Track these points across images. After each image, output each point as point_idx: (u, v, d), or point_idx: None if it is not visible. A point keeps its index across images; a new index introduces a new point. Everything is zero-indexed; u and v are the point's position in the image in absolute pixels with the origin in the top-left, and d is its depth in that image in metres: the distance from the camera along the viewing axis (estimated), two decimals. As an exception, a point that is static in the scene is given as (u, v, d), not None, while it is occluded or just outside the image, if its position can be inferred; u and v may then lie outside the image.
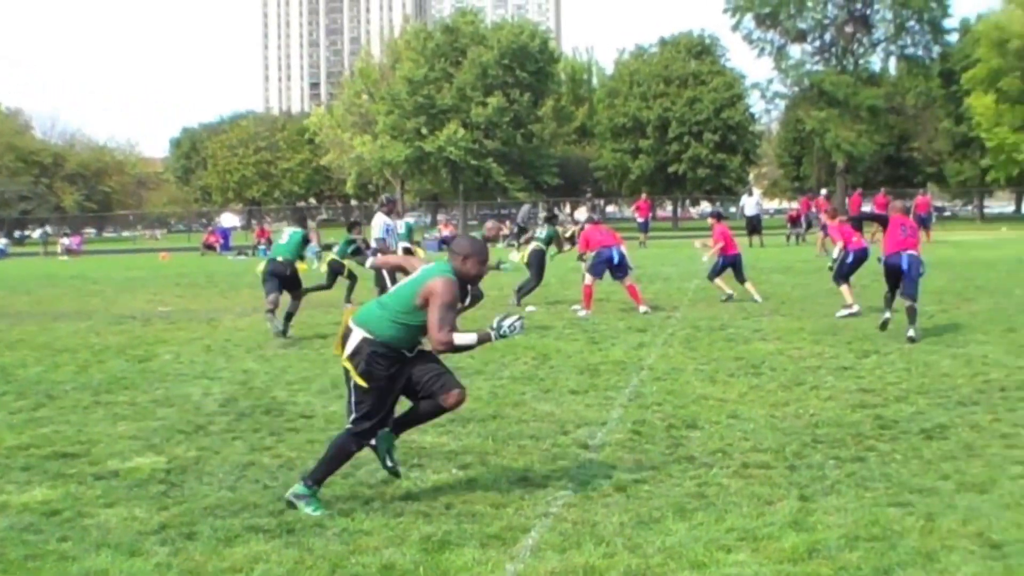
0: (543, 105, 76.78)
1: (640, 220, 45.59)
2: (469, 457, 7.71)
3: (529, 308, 17.96)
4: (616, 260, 17.61)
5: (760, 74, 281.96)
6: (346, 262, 19.69)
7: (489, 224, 17.68)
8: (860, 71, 75.20)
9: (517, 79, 74.19)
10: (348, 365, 6.52)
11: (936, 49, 75.42)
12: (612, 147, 78.25)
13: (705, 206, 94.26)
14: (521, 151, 74.60)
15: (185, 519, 6.32)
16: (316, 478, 6.52)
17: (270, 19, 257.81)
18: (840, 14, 75.70)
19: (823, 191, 49.16)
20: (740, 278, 18.78)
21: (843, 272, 16.63)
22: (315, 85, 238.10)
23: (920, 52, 75.62)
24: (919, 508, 6.19)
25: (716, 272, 18.97)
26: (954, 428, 8.32)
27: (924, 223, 35.88)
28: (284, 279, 15.28)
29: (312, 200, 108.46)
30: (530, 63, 75.28)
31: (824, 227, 26.42)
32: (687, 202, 75.26)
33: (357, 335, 6.52)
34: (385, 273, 14.11)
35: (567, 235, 21.96)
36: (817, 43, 77.08)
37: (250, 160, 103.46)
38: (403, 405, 6.77)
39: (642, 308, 17.24)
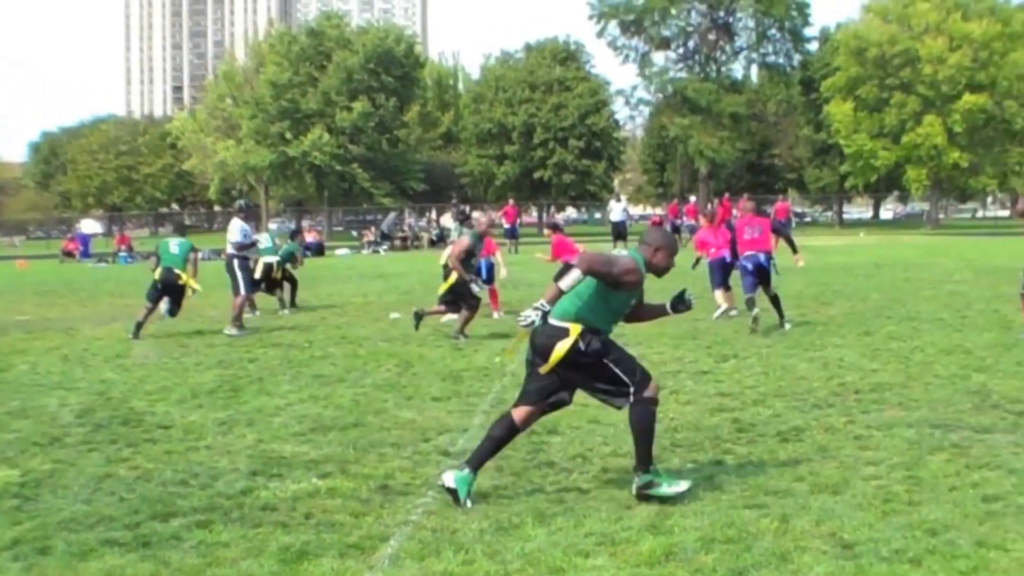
0: (409, 110, 76.78)
1: (507, 226, 45.27)
2: (329, 466, 7.67)
3: (393, 315, 17.92)
4: (484, 270, 17.52)
5: (625, 81, 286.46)
6: (288, 267, 20.10)
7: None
8: (723, 78, 76.90)
9: (382, 84, 74.06)
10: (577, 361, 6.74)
11: (797, 57, 77.67)
12: (478, 153, 78.58)
13: (571, 212, 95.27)
14: (386, 156, 74.38)
15: (39, 534, 6.18)
16: (644, 462, 6.66)
17: (132, 21, 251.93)
18: (703, 22, 77.35)
19: (692, 197, 50.01)
20: None
21: (717, 282, 16.52)
22: (178, 89, 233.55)
23: (781, 60, 77.79)
24: (774, 510, 6.29)
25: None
26: (809, 431, 8.49)
27: (783, 229, 36.45)
28: (170, 288, 16.24)
29: (175, 205, 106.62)
30: (396, 68, 75.23)
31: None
32: (552, 208, 75.76)
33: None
34: None
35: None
36: (681, 50, 78.76)
37: (111, 165, 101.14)
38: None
39: (496, 314, 17.42)
